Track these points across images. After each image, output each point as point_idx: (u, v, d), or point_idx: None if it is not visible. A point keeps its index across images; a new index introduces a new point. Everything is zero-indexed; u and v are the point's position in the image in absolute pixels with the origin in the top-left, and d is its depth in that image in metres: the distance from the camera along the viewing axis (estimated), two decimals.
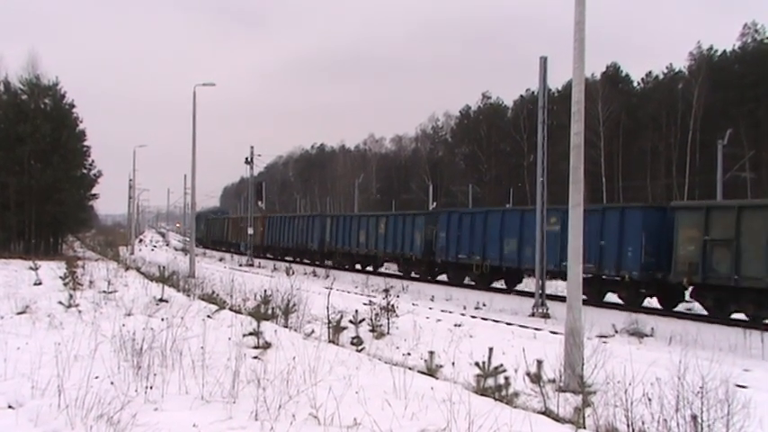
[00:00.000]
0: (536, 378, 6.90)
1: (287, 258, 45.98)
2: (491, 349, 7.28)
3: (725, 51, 60.07)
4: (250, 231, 46.64)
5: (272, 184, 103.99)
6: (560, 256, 21.00)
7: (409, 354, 10.24)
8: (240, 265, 40.73)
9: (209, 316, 12.38)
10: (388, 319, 12.95)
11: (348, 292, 21.91)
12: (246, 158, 46.72)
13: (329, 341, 10.55)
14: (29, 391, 6.31)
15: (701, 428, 5.30)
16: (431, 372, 8.07)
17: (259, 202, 49.86)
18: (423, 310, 17.99)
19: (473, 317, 17.83)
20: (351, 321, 11.58)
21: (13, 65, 68.54)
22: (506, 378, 6.94)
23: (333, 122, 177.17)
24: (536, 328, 15.71)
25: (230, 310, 13.57)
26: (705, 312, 19.21)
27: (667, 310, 20.24)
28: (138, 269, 25.95)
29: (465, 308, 20.14)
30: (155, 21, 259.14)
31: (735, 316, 18.31)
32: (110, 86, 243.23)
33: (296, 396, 6.20)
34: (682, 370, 5.85)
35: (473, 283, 27.60)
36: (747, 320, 17.44)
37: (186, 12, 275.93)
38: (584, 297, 20.31)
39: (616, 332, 15.30)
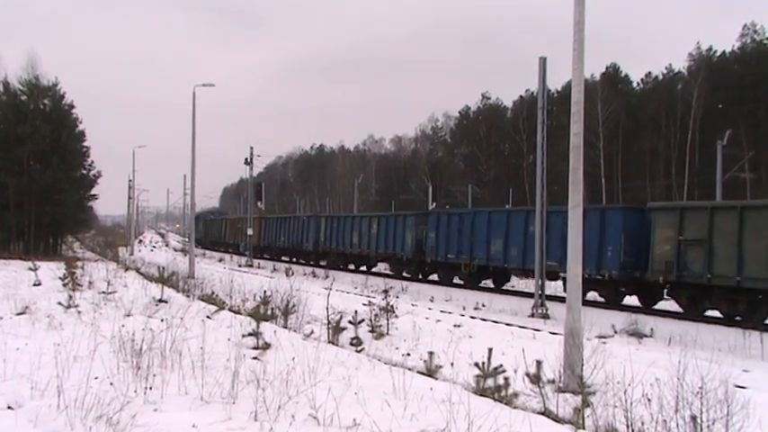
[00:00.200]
0: (535, 378, 6.91)
1: (283, 258, 46.24)
2: (490, 350, 7.29)
3: (724, 52, 60.15)
4: (250, 232, 46.62)
5: (272, 185, 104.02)
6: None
7: (409, 354, 10.26)
8: (240, 266, 40.73)
9: (208, 317, 12.38)
10: (388, 319, 12.95)
11: (347, 293, 21.91)
12: (246, 159, 46.74)
13: (329, 342, 10.55)
14: (28, 391, 6.30)
15: (701, 429, 5.30)
16: (430, 372, 8.07)
17: (258, 203, 49.85)
18: (422, 311, 17.99)
19: (472, 317, 17.83)
20: (350, 322, 11.59)
21: (13, 65, 68.65)
22: (506, 378, 6.95)
23: (332, 123, 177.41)
24: (535, 329, 15.70)
25: (230, 310, 13.57)
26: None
27: (665, 311, 20.30)
28: (137, 270, 25.94)
29: (464, 308, 20.15)
30: (155, 21, 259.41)
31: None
32: (110, 87, 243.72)
33: (295, 397, 6.20)
34: (681, 370, 5.86)
35: (462, 282, 28.04)
36: (746, 321, 17.48)
37: (186, 12, 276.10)
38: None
39: (615, 333, 15.31)
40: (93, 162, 42.19)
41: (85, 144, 41.58)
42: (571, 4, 9.08)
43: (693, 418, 5.33)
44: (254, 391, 6.26)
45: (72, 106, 40.27)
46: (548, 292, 20.57)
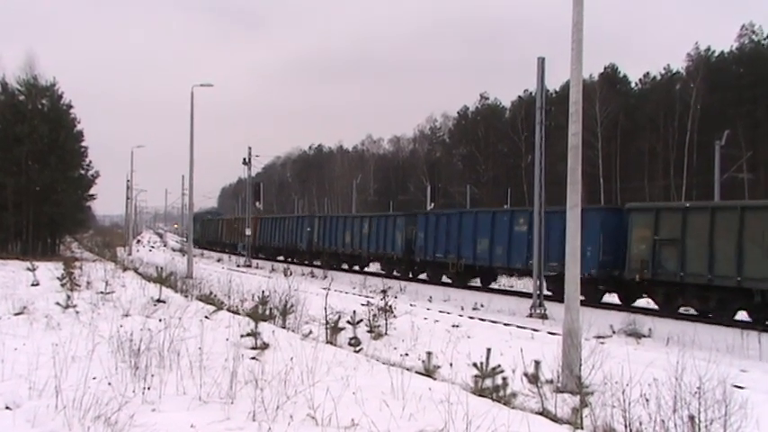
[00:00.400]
0: (534, 379, 6.91)
1: (279, 258, 46.52)
2: (489, 350, 7.29)
3: (722, 52, 60.20)
4: (248, 232, 46.58)
5: (270, 185, 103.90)
6: (527, 255, 23.01)
7: (407, 354, 10.26)
8: (238, 266, 40.73)
9: (206, 317, 12.38)
10: (386, 319, 12.95)
11: (345, 293, 21.90)
12: (244, 159, 46.72)
13: (327, 342, 10.54)
14: (26, 391, 6.30)
15: (699, 429, 5.31)
16: (429, 372, 8.08)
17: (257, 203, 49.81)
18: (420, 311, 18.00)
19: (471, 317, 17.84)
20: (348, 322, 11.59)
21: (11, 65, 68.49)
22: (504, 379, 6.95)
23: (331, 123, 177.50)
24: (534, 329, 15.71)
25: (228, 310, 13.56)
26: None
27: (662, 310, 20.36)
28: (135, 270, 25.93)
29: (462, 308, 20.16)
30: (154, 21, 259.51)
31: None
32: (109, 87, 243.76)
33: (294, 397, 6.20)
34: (679, 370, 5.87)
35: (450, 280, 28.52)
36: (745, 321, 17.55)
37: (186, 12, 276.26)
38: (550, 293, 20.98)
39: (614, 333, 15.32)
40: (91, 162, 42.21)
41: (84, 144, 41.59)
42: (570, 5, 9.09)
43: (691, 418, 5.34)
44: (252, 392, 6.26)
45: (70, 106, 40.28)
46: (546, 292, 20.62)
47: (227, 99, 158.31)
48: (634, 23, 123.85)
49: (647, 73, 66.17)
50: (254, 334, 9.46)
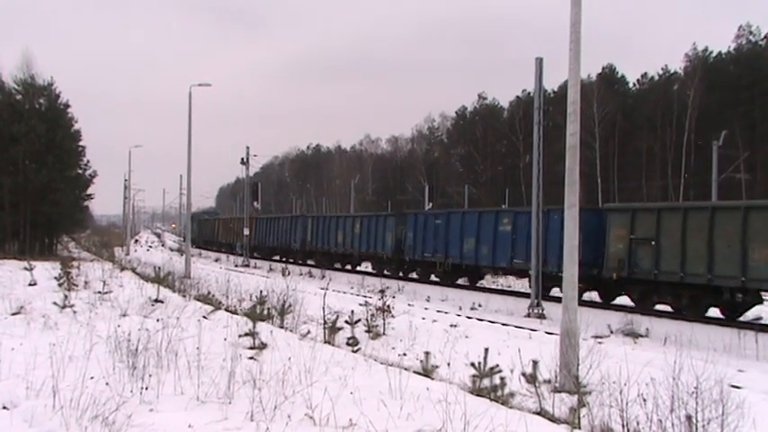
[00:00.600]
0: (531, 378, 6.92)
1: (274, 258, 46.70)
2: (487, 350, 7.29)
3: (720, 53, 60.35)
4: (246, 232, 46.55)
5: (268, 185, 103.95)
6: (511, 254, 24.00)
7: (405, 354, 10.25)
8: (236, 266, 40.69)
9: (204, 317, 12.37)
10: (384, 319, 12.94)
11: (343, 293, 21.88)
12: (242, 159, 46.67)
13: (325, 342, 10.54)
14: (23, 391, 6.29)
15: (696, 429, 5.31)
16: (426, 372, 8.07)
17: (255, 203, 49.76)
18: (418, 311, 17.99)
19: (469, 317, 17.83)
20: (346, 322, 11.57)
21: (8, 65, 68.41)
22: (502, 378, 6.95)
23: (329, 123, 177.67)
24: (531, 329, 15.70)
25: (226, 310, 13.55)
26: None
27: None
28: (133, 270, 25.88)
29: (461, 308, 20.15)
30: (154, 21, 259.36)
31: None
32: (109, 87, 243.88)
33: (291, 396, 6.20)
34: (676, 370, 5.87)
35: (438, 279, 28.89)
36: (744, 322, 17.58)
37: (186, 12, 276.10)
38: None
39: (611, 333, 15.32)
40: (88, 162, 42.24)
41: (81, 144, 41.62)
42: (568, 5, 9.10)
43: (689, 417, 5.34)
44: (250, 391, 6.25)
45: (67, 106, 40.26)
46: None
47: (226, 99, 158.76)
48: (632, 24, 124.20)
49: (645, 73, 66.42)
50: (251, 334, 9.46)
